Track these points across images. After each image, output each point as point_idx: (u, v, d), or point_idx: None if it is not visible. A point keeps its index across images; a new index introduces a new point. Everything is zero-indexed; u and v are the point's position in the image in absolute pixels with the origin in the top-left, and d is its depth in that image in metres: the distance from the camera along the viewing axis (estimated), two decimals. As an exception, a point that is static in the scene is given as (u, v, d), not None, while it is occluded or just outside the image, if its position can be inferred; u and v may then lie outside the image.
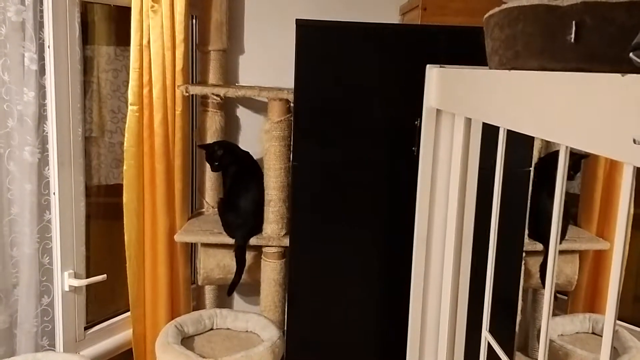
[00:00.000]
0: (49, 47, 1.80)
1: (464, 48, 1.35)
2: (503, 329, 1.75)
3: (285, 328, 1.83)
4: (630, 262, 2.08)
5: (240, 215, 2.02)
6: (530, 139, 1.77)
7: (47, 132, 1.86)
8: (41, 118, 1.84)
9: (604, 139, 0.56)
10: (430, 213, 1.34)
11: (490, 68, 1.01)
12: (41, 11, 1.78)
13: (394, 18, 2.19)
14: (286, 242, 1.94)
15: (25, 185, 1.81)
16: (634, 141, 0.48)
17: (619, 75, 0.56)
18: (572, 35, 0.82)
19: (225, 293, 2.10)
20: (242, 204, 2.03)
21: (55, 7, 1.78)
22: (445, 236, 1.32)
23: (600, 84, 0.59)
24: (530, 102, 0.77)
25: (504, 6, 0.95)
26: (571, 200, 2.22)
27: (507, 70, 0.89)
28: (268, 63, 2.23)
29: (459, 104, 1.16)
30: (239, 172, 2.08)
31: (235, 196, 2.06)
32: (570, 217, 2.19)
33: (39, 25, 1.79)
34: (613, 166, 2.09)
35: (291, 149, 1.77)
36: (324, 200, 1.73)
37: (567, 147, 0.76)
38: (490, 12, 0.98)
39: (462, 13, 1.89)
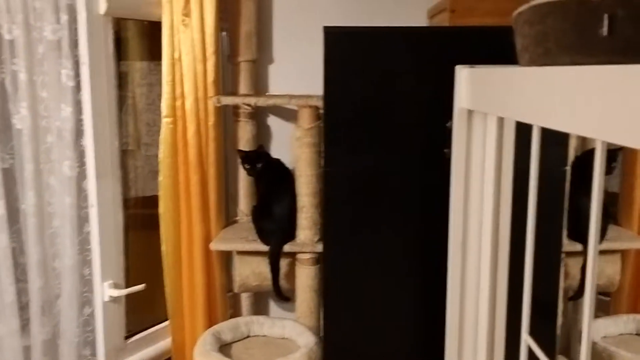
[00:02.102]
0: (84, 64, 1.85)
1: (495, 48, 1.33)
2: (544, 332, 1.72)
3: (322, 334, 1.83)
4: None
5: (274, 222, 2.04)
6: (566, 138, 1.74)
7: (84, 147, 1.91)
8: (78, 133, 1.89)
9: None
10: (465, 216, 1.33)
11: (520, 66, 1.00)
12: (76, 29, 1.84)
13: (421, 22, 2.18)
14: (320, 248, 1.94)
15: (65, 199, 1.86)
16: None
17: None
18: (605, 29, 0.81)
19: (262, 300, 2.11)
20: (275, 210, 2.05)
21: (90, 25, 1.83)
22: (481, 239, 1.31)
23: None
24: (565, 98, 0.76)
25: (533, 3, 0.94)
26: (610, 199, 2.17)
27: (539, 67, 0.87)
28: (297, 71, 2.24)
29: (490, 104, 1.15)
30: (272, 178, 2.10)
31: (269, 202, 2.07)
32: (610, 216, 2.14)
33: (74, 43, 1.84)
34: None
35: (322, 155, 1.78)
36: (355, 205, 1.73)
37: (603, 142, 0.75)
38: (519, 10, 0.97)
39: (491, 14, 1.86)
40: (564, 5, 0.87)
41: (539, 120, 0.90)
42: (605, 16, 0.81)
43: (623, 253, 2.09)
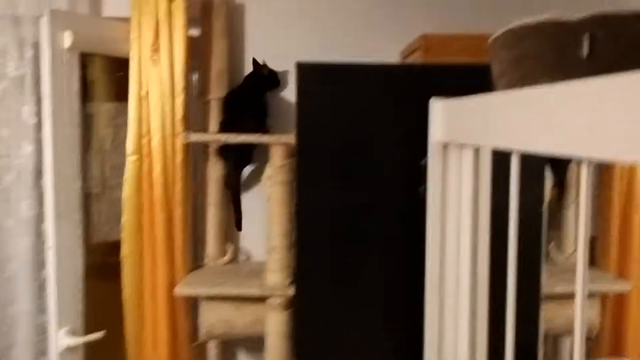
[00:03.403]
0: (45, 98, 1.78)
1: (469, 85, 1.31)
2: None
3: (293, 384, 1.73)
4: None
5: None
6: (541, 178, 1.72)
7: (44, 186, 1.81)
8: (39, 172, 1.81)
9: None
10: (442, 254, 1.27)
11: (498, 91, 0.96)
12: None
13: (394, 60, 2.17)
14: (291, 291, 1.85)
15: (22, 241, 1.76)
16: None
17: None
18: (585, 49, 0.78)
19: (230, 350, 2.00)
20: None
21: (54, 59, 1.77)
22: (458, 279, 1.25)
23: (631, 85, 0.53)
24: (547, 118, 0.72)
25: (508, 26, 0.91)
26: (590, 242, 2.14)
27: (519, 90, 0.84)
28: (270, 108, 2.20)
29: (468, 134, 1.11)
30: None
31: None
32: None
33: (38, 80, 1.77)
34: (628, 204, 2.03)
35: (295, 194, 1.72)
36: (330, 246, 1.66)
37: (589, 162, 0.70)
38: (495, 35, 0.94)
39: (463, 52, 1.86)
40: (542, 27, 0.84)
41: (521, 144, 0.85)
42: (586, 37, 0.78)
43: (602, 296, 2.05)
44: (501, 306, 1.17)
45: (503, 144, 0.90)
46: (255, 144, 2.07)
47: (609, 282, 2.00)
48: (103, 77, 2.30)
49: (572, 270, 2.19)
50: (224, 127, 2.07)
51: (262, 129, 2.08)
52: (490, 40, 0.96)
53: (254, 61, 2.10)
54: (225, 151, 2.10)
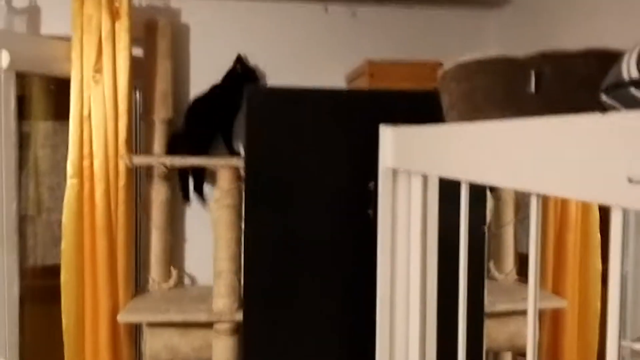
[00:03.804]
0: (-20, 119, 1.70)
1: (415, 110, 1.35)
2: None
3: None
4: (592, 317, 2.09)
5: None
6: (483, 197, 1.77)
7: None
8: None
9: (589, 182, 0.53)
10: (393, 277, 1.29)
11: (448, 123, 1.00)
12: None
13: (340, 86, 2.20)
14: (239, 316, 1.83)
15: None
16: (629, 180, 0.46)
17: (597, 114, 0.54)
18: (532, 86, 0.82)
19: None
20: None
21: (-11, 78, 1.70)
22: (408, 300, 1.27)
23: (578, 125, 0.56)
24: (500, 152, 0.75)
25: (459, 61, 0.95)
26: (525, 260, 2.23)
27: (469, 123, 0.87)
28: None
29: (418, 162, 1.14)
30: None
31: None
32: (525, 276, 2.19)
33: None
34: (563, 224, 2.12)
35: (242, 217, 1.71)
36: (278, 269, 1.65)
37: (538, 195, 0.74)
38: (446, 68, 0.98)
39: (407, 78, 1.92)
40: (492, 63, 0.88)
41: (469, 176, 0.89)
42: (532, 74, 0.82)
43: (540, 313, 2.12)
44: (445, 325, 1.21)
45: (452, 174, 0.93)
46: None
47: (546, 299, 2.08)
48: (40, 96, 2.22)
49: (511, 289, 2.27)
50: (183, 141, 2.05)
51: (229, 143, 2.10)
52: (440, 72, 1.00)
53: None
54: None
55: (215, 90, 2.11)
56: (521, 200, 2.24)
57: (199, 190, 2.16)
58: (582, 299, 2.11)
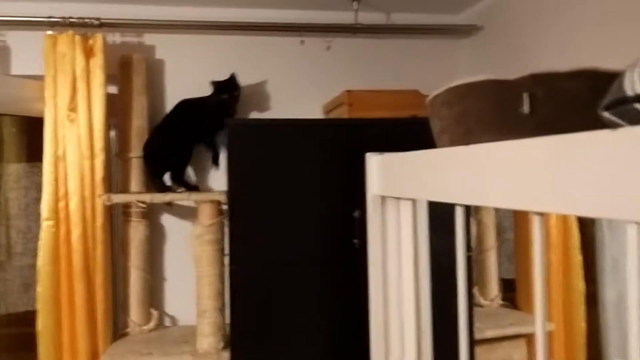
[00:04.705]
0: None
1: (397, 137, 1.35)
2: None
3: None
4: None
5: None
6: (467, 223, 1.77)
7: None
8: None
9: (600, 200, 0.53)
10: (385, 305, 1.27)
11: (439, 147, 1.00)
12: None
13: (317, 116, 2.20)
14: (225, 356, 1.77)
15: None
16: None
17: (607, 131, 0.53)
18: (526, 107, 0.82)
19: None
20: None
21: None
22: (402, 328, 1.25)
23: (587, 143, 0.56)
24: (492, 174, 0.74)
25: (449, 85, 0.95)
26: (508, 285, 2.23)
27: (463, 146, 0.87)
28: (194, 166, 2.15)
29: (405, 187, 1.13)
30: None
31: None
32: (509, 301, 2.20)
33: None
34: (548, 247, 2.12)
35: (224, 253, 1.67)
36: (266, 304, 1.62)
37: (540, 216, 0.73)
38: (435, 93, 0.98)
39: (385, 107, 1.93)
40: (483, 86, 0.88)
41: (467, 199, 0.88)
42: (526, 95, 0.83)
43: (527, 338, 2.12)
44: (441, 354, 1.19)
45: (445, 198, 0.92)
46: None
47: (532, 323, 2.07)
48: (10, 137, 2.17)
49: (497, 314, 2.26)
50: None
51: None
52: (429, 99, 1.00)
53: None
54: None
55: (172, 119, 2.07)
56: (499, 225, 2.26)
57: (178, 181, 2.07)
58: (567, 320, 2.11)
